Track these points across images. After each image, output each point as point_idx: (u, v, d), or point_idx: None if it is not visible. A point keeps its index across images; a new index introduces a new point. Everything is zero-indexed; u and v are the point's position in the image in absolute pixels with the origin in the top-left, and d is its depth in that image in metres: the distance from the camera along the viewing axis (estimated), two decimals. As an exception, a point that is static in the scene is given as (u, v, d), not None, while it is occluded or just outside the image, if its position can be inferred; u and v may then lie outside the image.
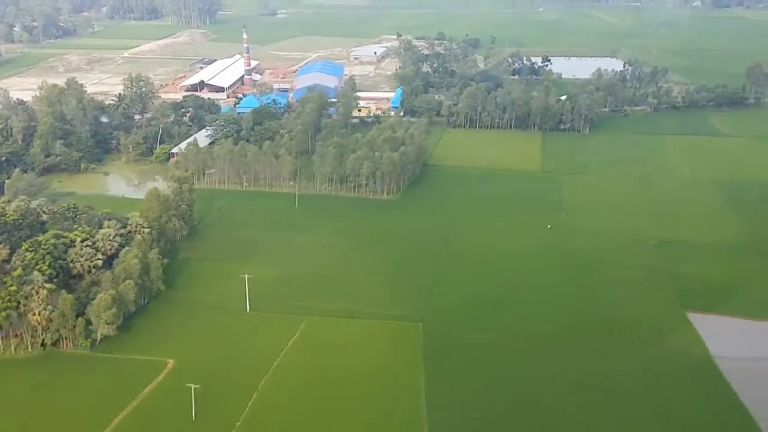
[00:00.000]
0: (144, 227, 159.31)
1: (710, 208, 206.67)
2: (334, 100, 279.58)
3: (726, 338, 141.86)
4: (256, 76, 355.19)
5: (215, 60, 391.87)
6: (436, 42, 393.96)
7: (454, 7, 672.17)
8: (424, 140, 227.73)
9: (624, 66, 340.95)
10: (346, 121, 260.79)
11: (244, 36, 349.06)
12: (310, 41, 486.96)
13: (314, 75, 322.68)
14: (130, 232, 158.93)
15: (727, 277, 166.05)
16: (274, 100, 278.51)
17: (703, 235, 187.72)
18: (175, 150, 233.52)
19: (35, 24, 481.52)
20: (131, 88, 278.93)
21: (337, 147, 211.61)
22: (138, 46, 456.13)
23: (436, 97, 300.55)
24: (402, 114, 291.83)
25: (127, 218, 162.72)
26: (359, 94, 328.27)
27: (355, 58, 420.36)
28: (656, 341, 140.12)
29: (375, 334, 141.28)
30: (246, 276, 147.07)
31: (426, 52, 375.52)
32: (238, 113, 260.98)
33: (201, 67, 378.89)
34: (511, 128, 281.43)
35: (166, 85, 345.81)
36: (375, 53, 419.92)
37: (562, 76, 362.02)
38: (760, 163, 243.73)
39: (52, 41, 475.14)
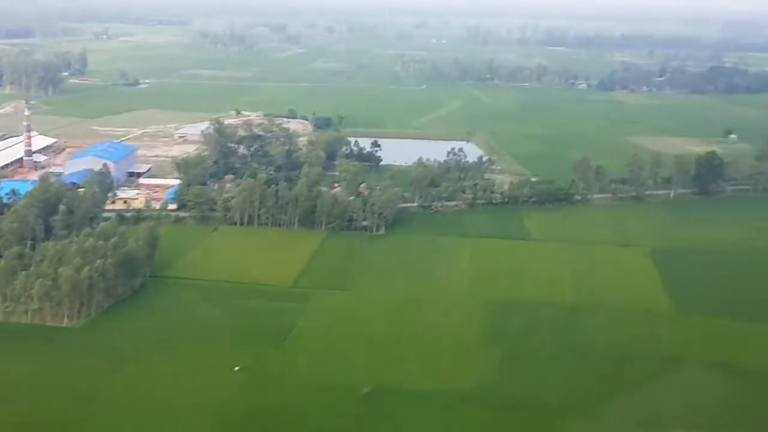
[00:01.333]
0: None
1: (465, 341, 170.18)
2: (81, 190, 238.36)
3: None
4: (40, 158, 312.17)
5: (9, 136, 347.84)
6: (255, 123, 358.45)
7: (337, 81, 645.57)
8: (140, 249, 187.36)
9: (447, 155, 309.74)
10: (82, 218, 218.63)
11: (26, 113, 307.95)
12: (151, 115, 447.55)
13: (88, 159, 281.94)
14: None
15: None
16: (13, 190, 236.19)
17: (436, 380, 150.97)
18: None
19: None
20: None
21: (11, 259, 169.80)
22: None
23: (227, 186, 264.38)
24: (176, 207, 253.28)
25: None
26: (145, 181, 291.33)
27: (180, 137, 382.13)
28: None
29: None
30: None
31: (242, 132, 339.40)
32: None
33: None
34: (296, 226, 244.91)
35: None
36: (202, 131, 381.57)
37: (395, 163, 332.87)
38: (547, 274, 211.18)
39: None
